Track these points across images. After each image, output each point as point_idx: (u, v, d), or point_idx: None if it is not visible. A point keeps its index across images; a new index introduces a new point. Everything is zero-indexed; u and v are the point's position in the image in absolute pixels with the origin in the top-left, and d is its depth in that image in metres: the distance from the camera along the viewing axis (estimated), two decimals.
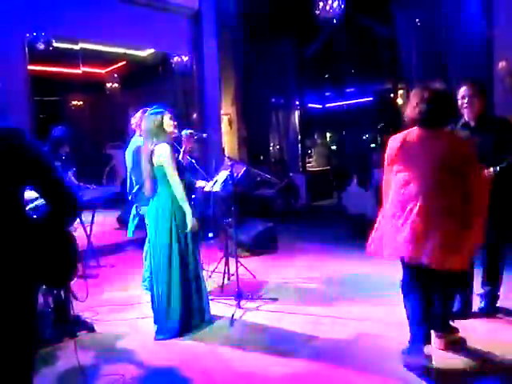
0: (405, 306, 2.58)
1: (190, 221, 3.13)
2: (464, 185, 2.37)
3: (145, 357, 2.91)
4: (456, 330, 2.80)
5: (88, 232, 4.95)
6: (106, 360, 2.89)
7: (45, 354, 2.94)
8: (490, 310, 3.18)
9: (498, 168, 2.84)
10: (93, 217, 5.02)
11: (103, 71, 9.50)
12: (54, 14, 5.44)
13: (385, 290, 3.63)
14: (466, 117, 3.07)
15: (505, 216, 2.98)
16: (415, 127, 2.47)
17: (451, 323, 2.79)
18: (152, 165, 3.13)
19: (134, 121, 4.09)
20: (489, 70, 5.85)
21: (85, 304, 3.73)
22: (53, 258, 1.63)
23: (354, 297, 3.74)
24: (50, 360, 2.89)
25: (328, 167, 10.39)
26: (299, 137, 10.25)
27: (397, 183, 2.49)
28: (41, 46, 5.62)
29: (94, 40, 6.46)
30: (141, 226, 3.93)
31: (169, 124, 3.19)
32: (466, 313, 3.13)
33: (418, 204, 2.36)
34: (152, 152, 3.12)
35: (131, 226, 3.97)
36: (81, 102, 10.85)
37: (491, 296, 3.19)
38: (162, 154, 3.07)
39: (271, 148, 9.92)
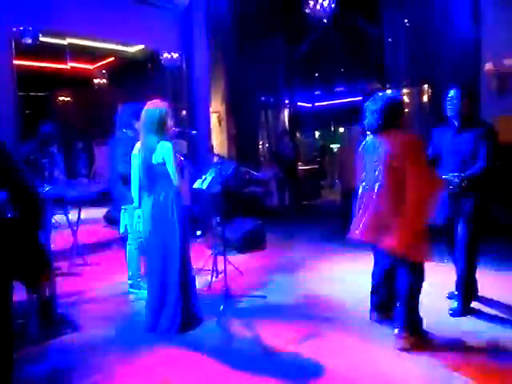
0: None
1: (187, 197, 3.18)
2: (404, 173, 2.66)
3: (131, 356, 2.88)
4: (423, 332, 2.82)
5: (74, 229, 4.91)
6: (91, 359, 2.86)
7: (29, 353, 2.90)
8: (463, 312, 3.21)
9: (460, 176, 3.06)
10: (79, 214, 4.97)
11: (91, 67, 9.39)
12: (40, 7, 5.35)
13: None
14: (452, 117, 3.26)
15: (477, 216, 3.13)
16: (371, 134, 2.95)
17: (420, 325, 2.83)
18: (151, 161, 3.07)
19: (122, 116, 4.01)
20: (476, 72, 5.91)
21: (70, 302, 3.72)
22: (24, 257, 1.64)
23: (343, 293, 3.76)
24: (35, 359, 2.85)
25: (316, 166, 10.42)
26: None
27: (360, 181, 2.98)
28: (27, 41, 5.53)
29: (81, 35, 6.37)
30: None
31: (170, 120, 3.16)
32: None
33: (367, 194, 2.84)
34: (154, 149, 3.06)
35: (123, 222, 3.92)
36: (68, 98, 10.74)
37: (464, 298, 3.23)
38: (166, 152, 3.02)
39: (260, 146, 9.92)
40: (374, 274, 3.16)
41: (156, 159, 3.05)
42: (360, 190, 2.96)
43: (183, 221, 3.15)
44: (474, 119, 3.28)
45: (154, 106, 3.13)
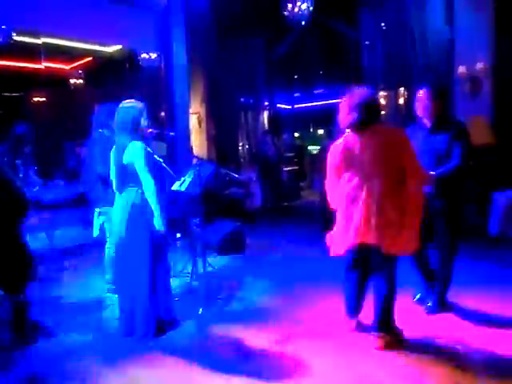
0: (344, 284, 3.02)
1: (159, 220, 3.05)
2: (401, 170, 2.65)
3: (108, 361, 2.84)
4: (397, 331, 2.87)
5: (50, 233, 4.81)
6: (67, 365, 2.80)
7: (3, 360, 2.82)
8: (438, 309, 3.27)
9: (435, 173, 3.06)
10: (55, 217, 4.87)
11: (67, 67, 9.21)
12: (14, 6, 5.22)
13: None
14: (423, 117, 3.24)
15: (454, 215, 3.17)
16: (349, 131, 2.81)
17: (394, 324, 2.87)
18: (122, 161, 3.03)
19: (98, 117, 3.97)
20: (450, 74, 6.06)
21: (46, 308, 3.64)
22: (7, 259, 1.61)
23: (323, 294, 3.78)
24: (9, 367, 2.77)
25: (296, 167, 10.48)
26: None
27: (343, 182, 2.80)
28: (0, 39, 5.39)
29: (56, 34, 6.25)
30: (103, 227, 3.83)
31: (144, 120, 3.12)
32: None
33: (363, 193, 2.68)
34: (125, 148, 3.02)
35: (96, 225, 3.86)
36: (43, 99, 10.50)
37: (439, 294, 3.29)
38: (135, 152, 2.97)
39: (240, 147, 9.92)
40: (349, 279, 3.01)
41: (126, 159, 3.01)
42: (346, 191, 2.78)
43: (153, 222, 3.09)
44: (447, 119, 3.26)
45: (128, 105, 3.10)
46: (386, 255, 2.72)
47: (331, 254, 2.89)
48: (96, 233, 3.87)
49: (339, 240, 2.83)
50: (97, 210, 3.80)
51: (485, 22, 5.74)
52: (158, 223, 3.03)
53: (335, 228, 2.88)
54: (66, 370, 2.75)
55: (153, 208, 3.03)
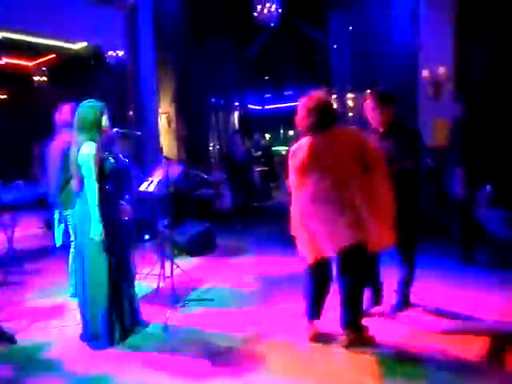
0: (306, 286, 2.95)
1: (95, 229, 2.86)
2: (365, 167, 2.68)
3: (73, 368, 2.75)
4: (364, 329, 2.88)
5: (10, 235, 4.62)
6: (28, 373, 2.69)
7: None
8: (402, 307, 3.32)
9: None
10: (15, 218, 4.69)
11: (30, 63, 8.90)
12: None
13: None
14: (373, 124, 3.24)
15: (409, 216, 3.13)
16: (308, 135, 2.79)
17: (361, 321, 2.86)
18: (78, 162, 2.94)
19: (62, 116, 3.84)
20: (414, 77, 6.25)
21: (6, 314, 3.49)
22: None
23: (291, 294, 3.79)
24: None
25: (267, 168, 10.50)
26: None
27: (308, 185, 2.75)
28: None
29: (18, 29, 6.01)
30: (67, 230, 3.71)
31: (105, 120, 3.05)
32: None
33: (341, 194, 2.65)
34: (79, 148, 2.94)
35: (58, 233, 3.72)
36: (5, 96, 10.12)
37: (402, 293, 3.34)
38: (85, 154, 2.89)
39: (211, 148, 9.87)
40: (315, 285, 2.94)
41: (80, 159, 2.91)
42: (317, 193, 2.71)
43: (112, 225, 2.98)
44: (397, 124, 3.22)
45: (88, 105, 3.03)
46: (369, 252, 2.73)
47: (312, 261, 2.82)
48: (58, 241, 3.72)
49: (324, 243, 2.72)
50: (56, 212, 3.67)
51: (447, 26, 5.95)
52: (94, 231, 2.87)
53: (308, 233, 2.79)
54: (29, 376, 2.65)
55: (91, 214, 2.87)
